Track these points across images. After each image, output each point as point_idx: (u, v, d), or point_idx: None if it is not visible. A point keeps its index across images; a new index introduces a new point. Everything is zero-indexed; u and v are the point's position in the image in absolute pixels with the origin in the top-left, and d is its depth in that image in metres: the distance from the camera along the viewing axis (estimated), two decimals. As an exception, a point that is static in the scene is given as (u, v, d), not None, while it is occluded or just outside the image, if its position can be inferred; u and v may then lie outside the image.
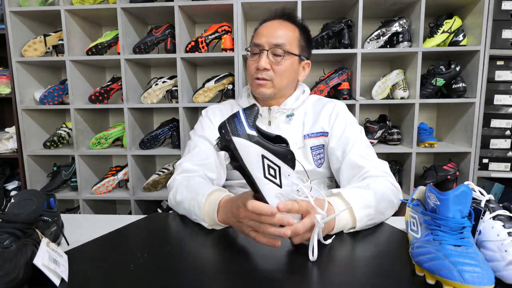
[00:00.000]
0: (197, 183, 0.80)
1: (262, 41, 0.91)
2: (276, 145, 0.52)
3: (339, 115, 0.97)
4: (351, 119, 0.98)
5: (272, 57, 0.91)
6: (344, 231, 0.68)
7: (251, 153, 0.50)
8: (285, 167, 0.52)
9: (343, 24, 1.65)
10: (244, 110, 0.53)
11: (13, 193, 1.87)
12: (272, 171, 0.52)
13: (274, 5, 1.56)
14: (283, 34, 0.92)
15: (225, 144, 0.51)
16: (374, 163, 0.87)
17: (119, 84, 1.79)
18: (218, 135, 0.98)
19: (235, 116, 0.52)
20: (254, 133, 0.51)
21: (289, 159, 0.53)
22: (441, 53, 1.71)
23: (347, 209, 0.66)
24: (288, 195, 0.55)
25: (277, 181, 0.52)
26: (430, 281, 0.48)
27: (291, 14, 0.95)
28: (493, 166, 1.72)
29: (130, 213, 1.87)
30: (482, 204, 0.56)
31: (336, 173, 0.94)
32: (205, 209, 0.70)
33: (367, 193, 0.72)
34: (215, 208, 0.68)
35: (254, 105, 0.54)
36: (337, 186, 0.98)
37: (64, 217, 0.73)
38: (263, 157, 0.51)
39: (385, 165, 0.87)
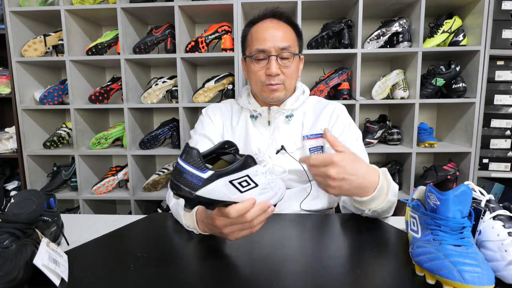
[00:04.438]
0: None
1: (267, 46, 0.89)
2: (234, 163, 0.50)
3: (339, 117, 0.98)
4: (350, 123, 0.99)
5: (280, 61, 0.90)
6: (365, 209, 0.70)
7: (220, 190, 0.49)
8: (252, 170, 0.51)
9: (343, 24, 1.64)
10: (184, 159, 0.48)
11: (13, 193, 1.87)
12: (244, 183, 0.51)
13: (274, 5, 1.55)
14: (285, 36, 0.91)
15: (194, 203, 0.50)
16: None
17: (119, 84, 1.79)
18: (218, 133, 0.99)
19: (181, 172, 0.48)
20: (210, 172, 0.48)
21: (250, 162, 0.51)
22: (441, 53, 1.71)
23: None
24: (268, 184, 0.55)
25: (253, 184, 0.52)
26: (430, 281, 0.48)
27: (284, 13, 0.94)
28: (493, 166, 1.72)
29: (130, 213, 1.87)
30: (482, 204, 0.56)
31: None
32: (187, 220, 0.70)
33: (395, 185, 0.73)
34: (194, 219, 0.68)
35: (189, 148, 0.49)
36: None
37: (64, 217, 0.73)
38: (231, 182, 0.50)
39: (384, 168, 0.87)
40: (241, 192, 0.51)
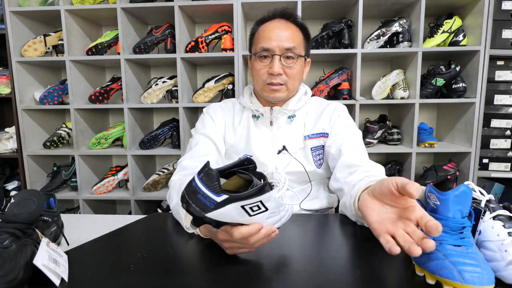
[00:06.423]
0: None
1: (272, 46, 0.89)
2: (251, 190, 0.47)
3: (340, 116, 0.98)
4: (351, 122, 0.99)
5: (284, 61, 0.90)
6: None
7: (230, 214, 0.48)
8: (266, 196, 0.49)
9: (343, 24, 1.64)
10: (201, 179, 0.47)
11: (13, 193, 1.87)
12: (255, 208, 0.49)
13: (274, 5, 1.56)
14: (291, 37, 0.90)
15: (202, 222, 0.49)
16: (371, 163, 0.86)
17: (119, 84, 1.79)
18: (219, 133, 0.99)
19: (196, 191, 0.47)
20: (224, 197, 0.46)
21: (266, 188, 0.49)
22: (441, 53, 1.71)
23: None
24: (277, 208, 0.54)
25: (263, 209, 0.50)
26: (430, 281, 0.48)
27: (292, 14, 0.94)
28: (493, 166, 1.72)
29: (130, 213, 1.87)
30: (482, 204, 0.56)
31: (333, 171, 0.94)
32: (187, 222, 0.69)
33: None
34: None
35: (208, 169, 0.48)
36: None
37: (64, 217, 0.73)
38: (242, 206, 0.48)
39: (382, 167, 0.87)
40: (250, 215, 0.50)
